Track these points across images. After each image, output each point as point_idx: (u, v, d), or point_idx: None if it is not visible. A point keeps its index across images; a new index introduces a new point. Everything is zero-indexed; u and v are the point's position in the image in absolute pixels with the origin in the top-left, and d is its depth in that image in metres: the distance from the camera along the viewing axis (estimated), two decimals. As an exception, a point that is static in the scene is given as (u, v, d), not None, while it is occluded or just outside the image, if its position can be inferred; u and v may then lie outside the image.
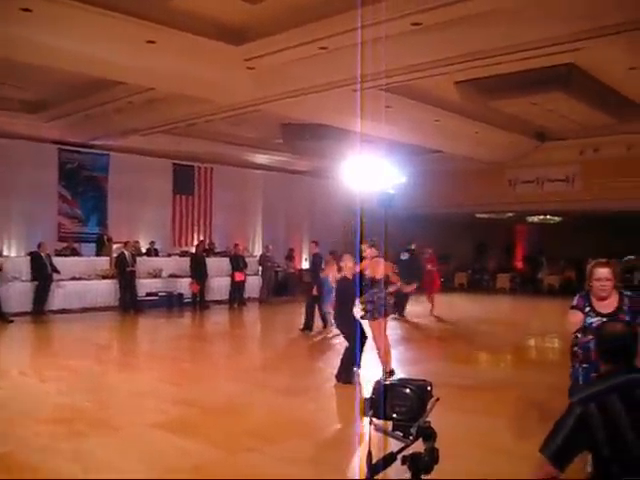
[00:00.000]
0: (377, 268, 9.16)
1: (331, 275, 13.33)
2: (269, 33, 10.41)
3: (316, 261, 15.73)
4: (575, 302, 5.38)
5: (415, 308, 17.67)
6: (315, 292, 14.12)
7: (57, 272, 16.44)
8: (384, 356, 9.18)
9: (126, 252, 17.62)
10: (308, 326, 14.24)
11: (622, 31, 9.14)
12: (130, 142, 19.11)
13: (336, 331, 13.90)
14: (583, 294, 5.40)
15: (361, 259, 9.54)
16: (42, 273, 16.11)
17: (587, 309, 5.26)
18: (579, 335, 5.25)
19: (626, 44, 10.10)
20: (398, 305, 9.94)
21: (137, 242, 19.84)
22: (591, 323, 5.13)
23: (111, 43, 10.42)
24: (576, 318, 5.26)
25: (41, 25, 9.49)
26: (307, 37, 10.12)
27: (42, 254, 16.16)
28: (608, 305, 5.20)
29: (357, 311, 9.31)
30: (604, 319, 4.89)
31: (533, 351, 13.96)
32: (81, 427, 6.76)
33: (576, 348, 5.32)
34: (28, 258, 16.56)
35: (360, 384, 8.79)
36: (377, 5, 8.67)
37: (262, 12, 10.03)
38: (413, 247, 17.22)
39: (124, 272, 17.42)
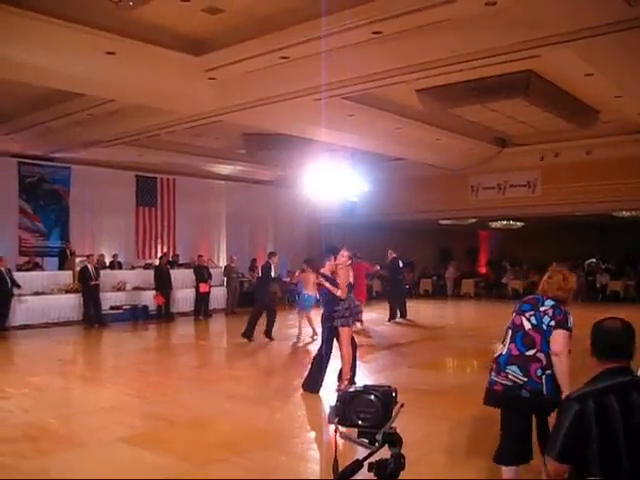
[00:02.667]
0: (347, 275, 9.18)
1: (311, 283, 13.41)
2: (230, 43, 10.41)
3: (265, 271, 15.47)
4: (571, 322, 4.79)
5: (373, 316, 17.84)
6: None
7: (18, 287, 16.19)
8: (348, 364, 9.12)
9: (89, 265, 17.41)
10: (249, 334, 14.30)
11: (577, 38, 9.29)
12: (92, 154, 18.96)
13: (306, 340, 14.02)
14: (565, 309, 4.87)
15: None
16: (1, 288, 15.81)
17: None
18: None
19: (582, 51, 10.26)
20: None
21: (101, 255, 19.66)
22: None
23: (70, 55, 10.32)
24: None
25: (-2, 37, 9.39)
26: (268, 47, 10.14)
27: (1, 269, 15.86)
28: None
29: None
30: None
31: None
32: (46, 445, 6.67)
33: None
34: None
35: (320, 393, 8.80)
36: (337, 14, 8.73)
37: (222, 22, 10.03)
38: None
39: (88, 286, 17.21)
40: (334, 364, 9.37)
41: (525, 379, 4.60)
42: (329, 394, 8.73)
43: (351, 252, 9.82)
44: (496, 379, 4.78)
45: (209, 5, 9.44)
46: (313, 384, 8.90)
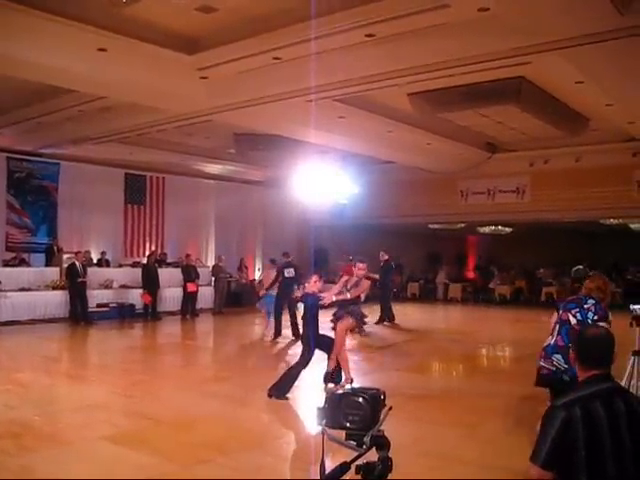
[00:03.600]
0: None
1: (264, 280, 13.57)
2: (222, 43, 10.39)
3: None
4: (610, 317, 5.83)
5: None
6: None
7: None
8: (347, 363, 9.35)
9: (77, 262, 17.35)
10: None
11: (569, 46, 9.34)
12: (81, 151, 18.88)
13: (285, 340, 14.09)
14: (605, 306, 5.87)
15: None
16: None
17: None
18: None
19: (573, 59, 10.31)
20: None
21: (88, 252, 19.59)
22: None
23: (61, 50, 10.27)
24: None
25: (-11, 32, 9.33)
26: (261, 47, 10.13)
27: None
28: None
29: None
30: None
31: (484, 360, 14.11)
32: (30, 442, 6.63)
33: None
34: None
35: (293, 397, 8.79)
36: (331, 16, 8.73)
37: (215, 21, 10.01)
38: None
39: (75, 283, 17.14)
40: (321, 366, 9.38)
41: (566, 366, 5.46)
42: (317, 396, 8.73)
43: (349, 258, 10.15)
44: (543, 364, 5.85)
45: (203, 4, 9.41)
46: (278, 391, 8.62)
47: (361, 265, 9.42)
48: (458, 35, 9.38)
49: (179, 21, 10.15)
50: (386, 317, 18.05)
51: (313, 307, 8.90)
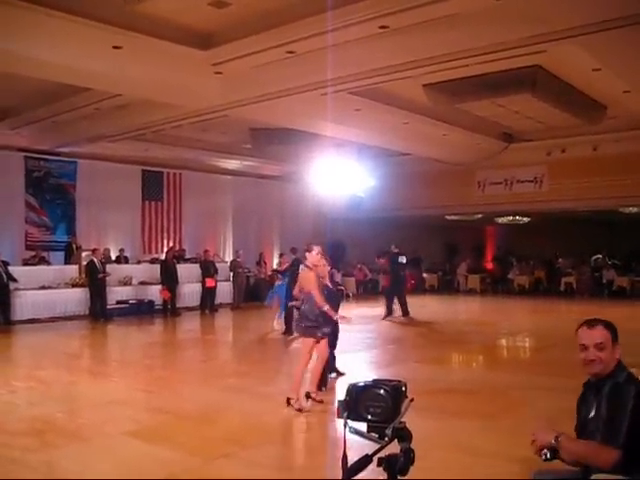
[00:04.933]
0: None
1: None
2: (236, 37, 10.39)
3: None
4: None
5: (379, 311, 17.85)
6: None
7: (14, 280, 16.20)
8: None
9: (96, 259, 17.45)
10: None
11: (585, 33, 9.24)
12: (98, 148, 18.97)
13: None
14: None
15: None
16: (-2, 283, 15.80)
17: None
18: None
19: (590, 46, 10.22)
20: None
21: (107, 249, 19.70)
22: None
23: (77, 49, 10.31)
24: None
25: (4, 31, 9.37)
26: (274, 41, 10.11)
27: (-5, 263, 15.87)
28: None
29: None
30: None
31: (504, 351, 14.06)
32: (53, 438, 6.67)
33: None
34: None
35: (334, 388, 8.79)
36: (344, 9, 8.70)
37: (229, 16, 10.01)
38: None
39: (95, 280, 17.25)
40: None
41: None
42: (338, 388, 8.74)
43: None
44: None
45: (216, -1, 9.43)
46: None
47: (316, 249, 8.19)
48: (472, 25, 9.33)
49: (192, 17, 10.16)
50: (400, 311, 17.81)
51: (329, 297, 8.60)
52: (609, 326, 3.32)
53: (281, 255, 14.58)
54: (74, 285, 17.83)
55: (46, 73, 11.75)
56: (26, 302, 16.61)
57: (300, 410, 7.45)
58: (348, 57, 10.39)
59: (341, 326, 9.08)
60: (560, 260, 27.34)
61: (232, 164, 23.02)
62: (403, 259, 18.43)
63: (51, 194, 19.99)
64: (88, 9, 9.17)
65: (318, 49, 10.16)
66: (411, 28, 9.39)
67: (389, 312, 17.70)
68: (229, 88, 12.54)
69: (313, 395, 7.66)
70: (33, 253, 18.77)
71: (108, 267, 18.17)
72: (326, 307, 7.73)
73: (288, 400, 7.67)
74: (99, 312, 17.26)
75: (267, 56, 10.72)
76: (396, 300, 17.82)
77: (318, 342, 7.83)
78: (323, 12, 8.84)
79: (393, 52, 10.42)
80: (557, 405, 6.14)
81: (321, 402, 7.66)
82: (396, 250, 18.36)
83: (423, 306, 19.88)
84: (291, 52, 10.48)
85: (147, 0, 9.00)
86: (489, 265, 31.12)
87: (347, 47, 9.95)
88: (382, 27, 9.33)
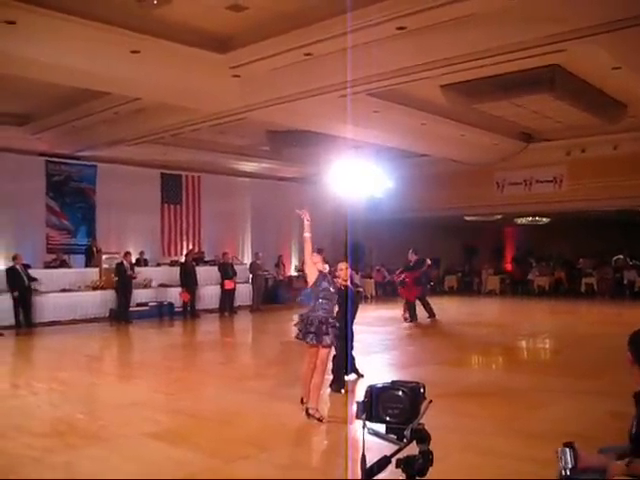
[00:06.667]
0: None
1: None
2: (254, 40, 10.43)
3: None
4: None
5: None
6: None
7: (34, 280, 16.30)
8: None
9: (125, 262, 17.75)
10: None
11: (603, 32, 9.18)
12: (117, 152, 19.08)
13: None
14: None
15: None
16: (19, 285, 15.88)
17: None
18: None
19: (608, 45, 10.15)
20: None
21: (129, 253, 19.80)
22: None
23: (95, 54, 10.38)
24: None
25: (25, 37, 9.45)
26: (292, 44, 10.15)
27: (17, 266, 15.97)
28: None
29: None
30: None
31: (524, 352, 13.98)
32: (74, 439, 6.72)
33: None
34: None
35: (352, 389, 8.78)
36: (361, 10, 8.72)
37: (246, 20, 10.05)
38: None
39: (124, 278, 17.46)
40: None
41: None
42: (357, 390, 8.73)
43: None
44: None
45: (233, 2, 9.46)
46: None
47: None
48: (489, 25, 9.30)
49: (210, 20, 10.21)
50: (428, 313, 17.67)
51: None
52: None
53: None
54: (94, 288, 17.97)
55: (65, 78, 11.84)
56: (47, 304, 16.76)
57: (321, 420, 7.27)
58: (366, 59, 10.37)
59: (359, 327, 9.11)
60: (581, 261, 27.14)
61: (250, 166, 23.07)
62: (427, 261, 18.22)
63: (71, 198, 20.15)
64: (106, 14, 9.25)
65: (335, 51, 10.18)
66: (429, 29, 9.40)
67: (414, 317, 17.55)
68: (247, 91, 12.57)
69: (312, 412, 7.32)
70: (54, 256, 18.93)
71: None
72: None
73: (302, 400, 7.66)
74: (121, 314, 17.37)
75: (285, 59, 10.76)
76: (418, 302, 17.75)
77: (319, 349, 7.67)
78: (340, 14, 8.86)
79: (411, 53, 10.40)
80: (575, 407, 6.10)
81: (321, 420, 7.28)
82: (416, 257, 17.93)
83: (443, 309, 19.78)
84: (309, 54, 10.51)
85: (164, 4, 9.04)
86: (508, 266, 30.97)
87: (364, 49, 9.94)
88: (399, 28, 9.34)
